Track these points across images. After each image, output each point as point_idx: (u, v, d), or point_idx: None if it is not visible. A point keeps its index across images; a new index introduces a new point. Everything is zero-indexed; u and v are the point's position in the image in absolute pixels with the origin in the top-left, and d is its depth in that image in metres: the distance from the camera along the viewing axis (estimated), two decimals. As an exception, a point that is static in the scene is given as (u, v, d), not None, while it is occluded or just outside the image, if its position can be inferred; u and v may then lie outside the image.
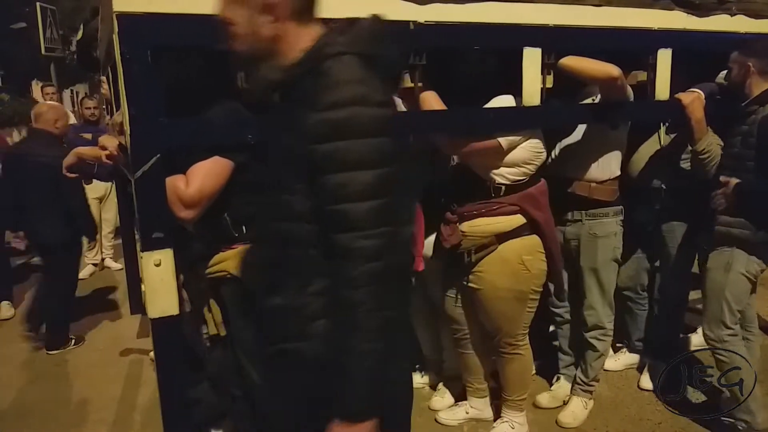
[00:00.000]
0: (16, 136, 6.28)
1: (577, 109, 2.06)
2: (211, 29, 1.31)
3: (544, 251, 2.06)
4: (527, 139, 1.94)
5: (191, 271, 1.62)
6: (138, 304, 3.09)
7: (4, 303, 3.96)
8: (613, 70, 1.84)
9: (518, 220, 2.00)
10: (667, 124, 2.47)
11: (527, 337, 2.21)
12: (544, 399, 2.54)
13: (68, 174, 3.73)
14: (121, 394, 2.75)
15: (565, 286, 2.49)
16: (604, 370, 2.77)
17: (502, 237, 2.00)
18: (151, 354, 2.22)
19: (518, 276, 2.02)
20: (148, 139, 1.30)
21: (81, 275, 4.68)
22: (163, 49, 1.31)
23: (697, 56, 2.36)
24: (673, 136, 2.46)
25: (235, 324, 1.61)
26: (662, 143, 2.48)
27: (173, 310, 1.42)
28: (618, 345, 2.91)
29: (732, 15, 2.29)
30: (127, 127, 1.27)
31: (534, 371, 2.72)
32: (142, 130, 1.29)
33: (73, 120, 5.36)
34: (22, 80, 11.76)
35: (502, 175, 1.97)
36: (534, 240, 2.03)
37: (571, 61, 1.86)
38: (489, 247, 2.02)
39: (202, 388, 2.48)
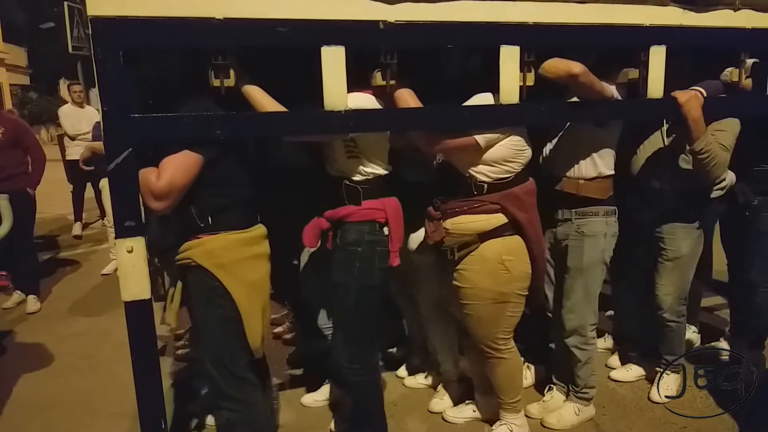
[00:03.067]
0: (44, 134, 6.63)
1: (557, 107, 2.07)
2: (180, 31, 1.45)
3: (527, 252, 2.08)
4: (507, 137, 1.98)
5: (164, 257, 1.76)
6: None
7: (31, 297, 4.20)
8: (573, 67, 1.85)
9: (499, 219, 2.04)
10: (668, 124, 2.46)
11: (511, 342, 2.22)
12: (534, 409, 2.54)
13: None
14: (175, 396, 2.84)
15: (550, 293, 2.51)
16: (614, 380, 2.80)
17: (484, 236, 2.05)
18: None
19: (497, 276, 2.05)
20: (121, 134, 1.43)
21: (105, 270, 4.97)
22: (135, 50, 1.44)
23: (702, 53, 2.36)
24: (674, 135, 2.45)
25: (197, 311, 1.74)
26: (664, 143, 2.47)
27: (145, 294, 1.55)
28: (630, 354, 2.89)
29: (735, 10, 2.26)
30: (101, 123, 1.42)
31: (534, 382, 2.75)
32: (115, 126, 1.43)
33: (98, 118, 5.69)
34: (50, 79, 12.37)
35: (483, 173, 2.02)
36: (516, 240, 2.06)
37: (545, 63, 1.90)
38: (471, 245, 2.06)
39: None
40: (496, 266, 2.05)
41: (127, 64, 1.42)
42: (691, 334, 3.06)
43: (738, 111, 2.39)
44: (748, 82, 2.39)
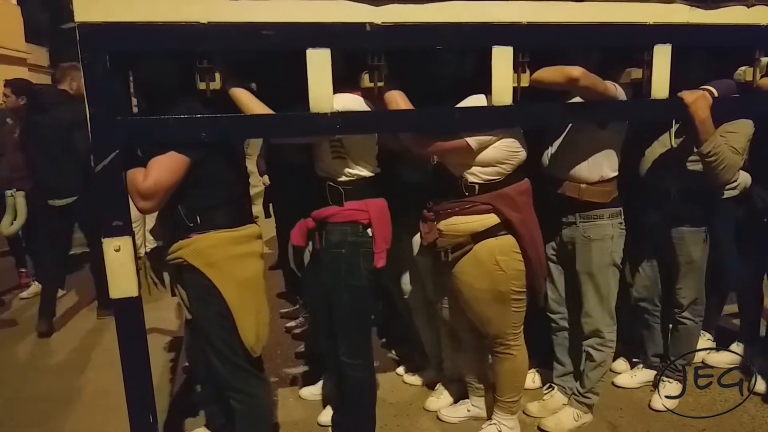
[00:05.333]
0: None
1: (553, 108, 2.07)
2: (165, 36, 1.54)
3: (520, 251, 2.11)
4: (500, 139, 2.01)
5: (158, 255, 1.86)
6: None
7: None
8: (572, 71, 1.87)
9: (492, 219, 2.07)
10: (678, 125, 2.44)
11: (521, 338, 2.28)
12: (533, 407, 2.60)
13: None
14: (158, 383, 2.95)
15: (563, 293, 2.54)
16: (618, 387, 2.81)
17: (477, 236, 2.09)
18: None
19: (493, 276, 2.10)
20: (108, 136, 1.52)
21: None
22: (120, 54, 1.53)
23: (715, 51, 2.34)
24: (684, 137, 2.43)
25: (193, 307, 1.83)
26: (673, 144, 2.45)
27: (132, 292, 1.64)
28: (635, 360, 2.90)
29: (749, 6, 2.23)
30: (89, 126, 1.51)
31: (540, 386, 2.79)
32: (102, 128, 1.52)
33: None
34: (71, 78, 12.88)
35: (475, 174, 2.05)
36: (509, 240, 2.10)
37: (536, 76, 1.92)
38: (465, 246, 2.11)
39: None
40: (492, 267, 2.09)
41: (114, 68, 1.50)
42: (705, 341, 3.03)
43: (752, 111, 2.36)
44: (765, 81, 2.35)
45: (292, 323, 3.60)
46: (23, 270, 4.75)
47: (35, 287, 4.50)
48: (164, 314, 3.83)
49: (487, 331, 2.25)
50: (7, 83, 4.24)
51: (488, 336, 2.27)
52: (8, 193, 4.07)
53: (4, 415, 2.72)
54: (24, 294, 4.48)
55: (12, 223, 4.10)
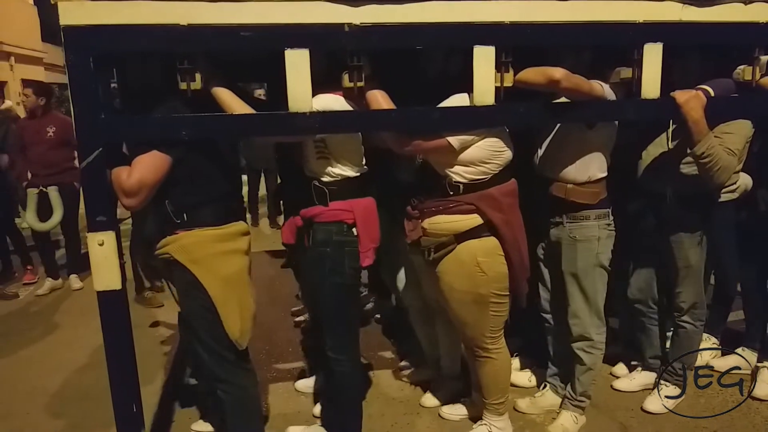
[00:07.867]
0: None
1: (536, 108, 2.09)
2: (147, 38, 1.65)
3: (504, 253, 2.16)
4: (482, 138, 2.06)
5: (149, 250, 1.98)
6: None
7: (73, 276, 4.75)
8: (554, 73, 1.90)
9: (475, 219, 2.12)
10: (675, 126, 2.47)
11: (500, 341, 2.32)
12: (523, 403, 2.67)
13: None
14: (154, 375, 3.12)
15: (547, 295, 2.60)
16: (618, 390, 2.84)
17: (460, 237, 2.14)
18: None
19: (474, 278, 2.15)
20: (91, 135, 1.64)
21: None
22: (104, 55, 1.65)
23: (714, 49, 2.36)
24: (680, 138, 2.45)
25: (181, 301, 1.95)
26: (669, 146, 2.48)
27: (116, 285, 1.76)
28: (633, 363, 2.94)
29: (747, 3, 2.25)
30: (73, 124, 1.63)
31: (536, 384, 2.85)
32: (86, 127, 1.63)
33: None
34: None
35: (459, 173, 2.11)
36: (492, 241, 2.14)
37: (520, 76, 1.97)
38: (448, 246, 2.16)
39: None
40: (473, 268, 2.13)
41: (98, 69, 1.62)
42: (711, 345, 3.04)
43: (752, 112, 2.37)
44: (765, 80, 2.36)
45: (300, 318, 3.76)
46: (30, 267, 4.98)
47: (50, 283, 4.75)
48: (167, 307, 3.97)
49: (465, 334, 2.30)
50: (29, 83, 4.56)
51: (465, 339, 2.32)
52: (33, 190, 4.34)
53: (20, 410, 2.86)
54: (40, 291, 4.71)
55: (36, 219, 4.34)
